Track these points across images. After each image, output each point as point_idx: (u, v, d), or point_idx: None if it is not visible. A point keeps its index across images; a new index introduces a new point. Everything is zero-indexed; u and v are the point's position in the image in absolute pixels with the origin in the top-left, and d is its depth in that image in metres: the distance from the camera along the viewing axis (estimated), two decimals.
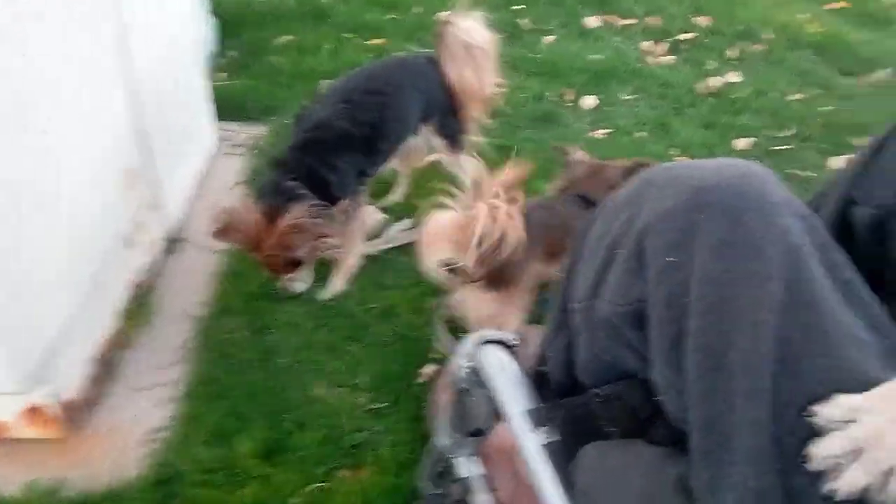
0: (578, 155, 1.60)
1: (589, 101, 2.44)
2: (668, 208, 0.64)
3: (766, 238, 0.59)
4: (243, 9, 2.85)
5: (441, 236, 1.26)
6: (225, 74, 2.46)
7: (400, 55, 2.13)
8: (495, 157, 2.11)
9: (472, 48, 1.75)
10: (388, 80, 1.69)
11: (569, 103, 2.44)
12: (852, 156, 0.85)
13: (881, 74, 2.58)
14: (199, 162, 2.00)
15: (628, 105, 2.43)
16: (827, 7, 3.08)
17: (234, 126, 2.22)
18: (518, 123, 2.30)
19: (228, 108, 2.24)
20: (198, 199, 1.91)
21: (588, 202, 1.42)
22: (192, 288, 1.66)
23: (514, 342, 0.82)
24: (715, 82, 2.50)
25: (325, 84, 1.96)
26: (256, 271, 1.61)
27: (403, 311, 1.61)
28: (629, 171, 1.43)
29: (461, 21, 1.74)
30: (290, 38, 2.68)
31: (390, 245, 1.78)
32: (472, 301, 1.36)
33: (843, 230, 0.75)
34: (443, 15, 1.84)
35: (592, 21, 2.92)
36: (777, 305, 0.57)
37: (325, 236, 1.51)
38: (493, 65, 1.81)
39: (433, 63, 1.75)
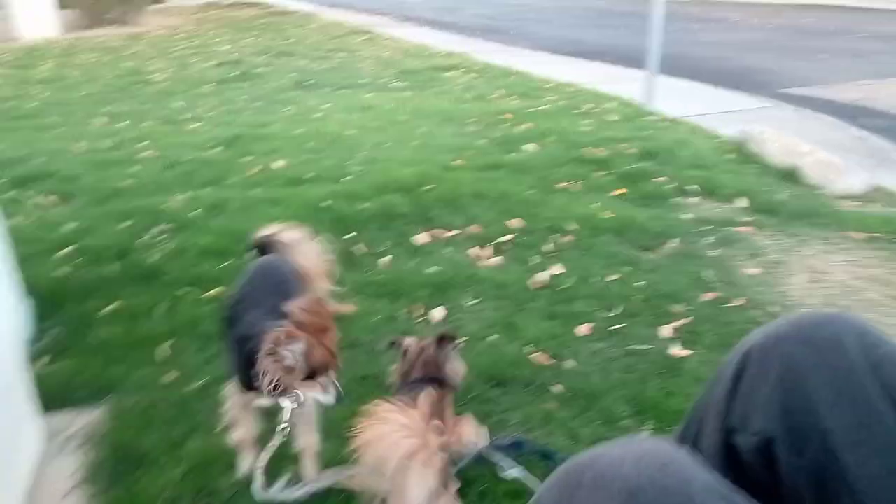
0: (407, 342, 1.80)
1: (438, 314, 2.53)
2: None
3: None
4: (62, 282, 2.69)
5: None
6: (47, 358, 2.24)
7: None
8: (361, 389, 2.09)
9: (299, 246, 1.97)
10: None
11: (420, 319, 2.52)
12: (711, 380, 0.93)
13: (673, 244, 3.00)
14: (23, 471, 1.72)
15: (474, 311, 2.56)
16: (611, 195, 3.60)
17: (63, 416, 1.98)
18: (379, 347, 2.31)
19: (55, 396, 2.01)
20: None
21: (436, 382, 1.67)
22: None
23: None
24: (543, 276, 2.74)
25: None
26: None
27: None
28: (439, 342, 1.75)
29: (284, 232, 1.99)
30: (118, 305, 2.54)
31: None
32: None
33: (731, 459, 0.80)
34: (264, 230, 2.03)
35: (421, 238, 3.13)
36: None
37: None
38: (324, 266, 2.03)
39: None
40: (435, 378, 1.73)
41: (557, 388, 2.08)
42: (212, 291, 2.62)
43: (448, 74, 7.50)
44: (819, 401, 0.74)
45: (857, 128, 5.05)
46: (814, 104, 5.83)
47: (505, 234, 3.14)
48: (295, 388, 1.54)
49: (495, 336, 2.38)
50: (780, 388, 0.78)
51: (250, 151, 4.56)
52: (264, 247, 2.00)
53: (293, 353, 1.48)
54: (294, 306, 1.53)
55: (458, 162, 4.17)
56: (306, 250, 2.05)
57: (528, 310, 2.53)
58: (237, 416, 1.73)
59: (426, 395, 1.55)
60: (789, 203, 3.44)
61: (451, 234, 3.19)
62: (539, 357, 2.23)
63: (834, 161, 3.83)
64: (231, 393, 1.71)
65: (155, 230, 3.25)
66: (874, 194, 3.64)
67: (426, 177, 3.85)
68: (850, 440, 0.71)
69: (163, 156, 4.53)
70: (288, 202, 3.55)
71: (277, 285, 1.76)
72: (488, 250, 3.02)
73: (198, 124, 5.52)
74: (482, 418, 1.96)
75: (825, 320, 0.82)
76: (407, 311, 2.56)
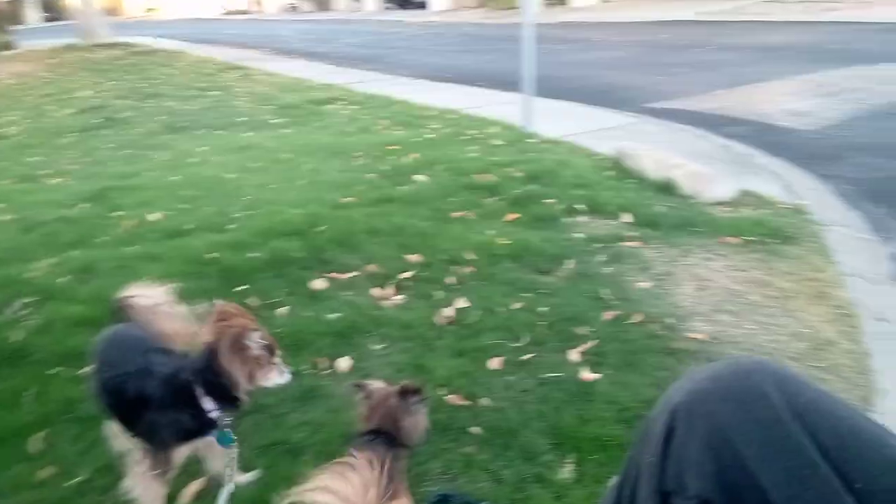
0: (371, 387, 1.65)
1: (345, 363, 2.42)
2: None
3: None
4: None
5: None
6: None
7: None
8: (266, 458, 1.96)
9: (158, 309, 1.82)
10: None
11: (326, 371, 2.40)
12: (639, 437, 0.91)
13: (569, 265, 3.05)
14: None
15: (381, 356, 2.47)
16: (504, 220, 3.64)
17: None
18: (283, 410, 2.17)
19: None
20: None
21: (390, 438, 1.53)
22: None
23: None
24: (448, 312, 2.69)
25: None
26: None
27: None
28: (401, 393, 1.58)
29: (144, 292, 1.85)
30: None
31: None
32: None
33: None
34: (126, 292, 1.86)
35: (318, 283, 3.01)
36: None
37: None
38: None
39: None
40: (390, 433, 1.57)
41: (475, 430, 2.03)
42: (87, 368, 2.37)
43: (328, 108, 7.40)
44: (750, 457, 0.73)
45: (720, 136, 5.44)
46: (677, 116, 6.24)
47: (405, 271, 3.08)
48: (264, 375, 1.64)
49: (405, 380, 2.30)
50: (709, 448, 0.77)
51: (120, 205, 4.24)
52: (119, 313, 1.82)
53: (255, 342, 1.58)
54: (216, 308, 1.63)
55: (349, 199, 4.08)
56: (167, 314, 1.84)
57: (436, 349, 2.47)
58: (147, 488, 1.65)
59: (374, 458, 1.43)
60: (669, 215, 3.62)
61: (349, 275, 3.09)
62: (453, 398, 2.18)
63: (703, 171, 4.09)
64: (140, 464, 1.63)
65: (17, 304, 2.92)
66: (743, 199, 3.91)
67: (317, 217, 3.73)
68: (786, 495, 0.70)
69: (21, 217, 4.12)
70: (168, 258, 3.31)
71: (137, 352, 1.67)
72: (390, 289, 2.94)
73: (59, 179, 5.09)
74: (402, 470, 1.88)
75: (744, 372, 0.82)
76: (311, 364, 2.43)
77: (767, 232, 3.35)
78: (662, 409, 0.87)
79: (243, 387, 1.61)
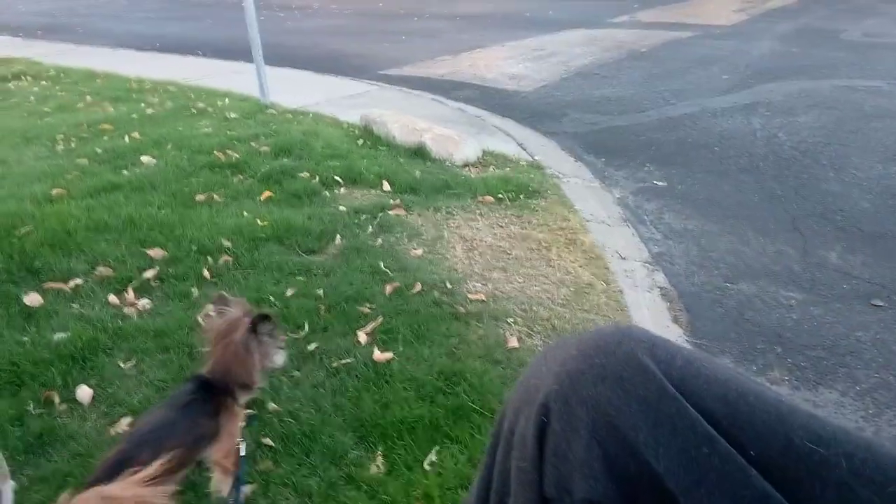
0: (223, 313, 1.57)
1: (85, 394, 1.97)
2: None
3: None
4: None
5: None
6: None
7: None
8: None
9: None
10: None
11: (61, 406, 1.92)
12: (497, 439, 0.78)
13: (338, 241, 2.88)
14: None
15: (132, 375, 2.06)
16: (258, 200, 3.31)
17: None
18: (10, 466, 1.67)
19: None
20: None
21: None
22: None
23: None
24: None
25: None
26: None
27: None
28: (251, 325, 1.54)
29: None
30: None
31: None
32: None
33: None
34: None
35: (32, 298, 2.42)
36: None
37: None
38: None
39: None
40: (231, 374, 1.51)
41: (267, 441, 1.78)
42: None
43: (12, 85, 6.11)
44: (640, 443, 0.64)
45: (453, 101, 5.65)
46: (411, 83, 6.34)
47: (146, 269, 2.62)
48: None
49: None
50: (594, 441, 0.67)
51: None
52: None
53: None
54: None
55: (58, 191, 3.37)
56: None
57: (202, 357, 2.13)
58: None
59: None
60: (426, 179, 3.62)
61: (72, 284, 2.53)
62: None
63: (450, 134, 4.18)
64: None
65: None
66: (486, 159, 4.08)
67: (17, 217, 3.01)
68: (686, 482, 0.63)
69: None
70: None
71: None
72: (130, 294, 2.48)
73: None
74: None
75: (613, 343, 0.72)
76: (39, 401, 1.93)
77: (515, 188, 3.53)
78: (524, 401, 0.74)
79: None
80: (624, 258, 2.88)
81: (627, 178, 3.94)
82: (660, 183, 3.85)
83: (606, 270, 2.73)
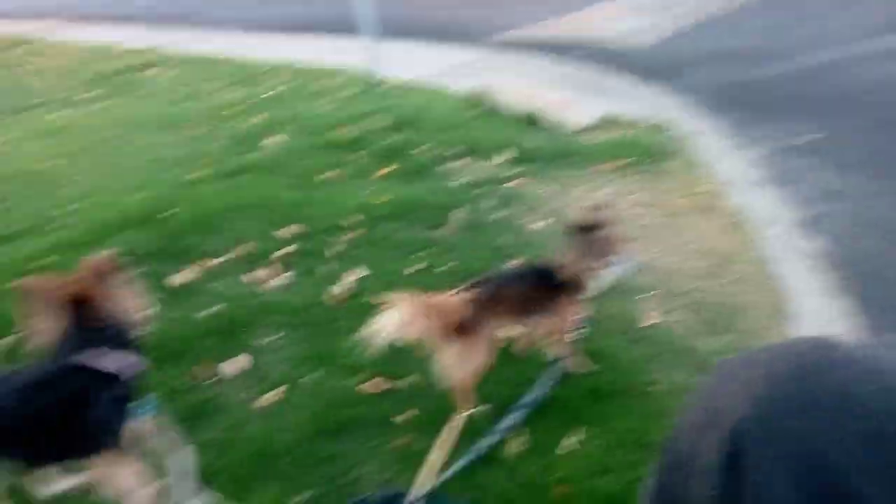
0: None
1: (234, 366, 2.08)
2: None
3: None
4: None
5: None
6: None
7: None
8: None
9: None
10: None
11: (213, 378, 2.04)
12: (669, 462, 0.71)
13: (460, 215, 2.85)
14: None
15: (276, 349, 2.15)
16: (377, 176, 3.35)
17: None
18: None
19: None
20: None
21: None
22: None
23: None
24: (343, 284, 2.41)
25: None
26: None
27: None
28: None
29: None
30: None
31: None
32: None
33: None
34: None
35: (181, 276, 2.58)
36: None
37: None
38: None
39: None
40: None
41: (405, 417, 1.80)
42: None
43: (146, 74, 6.54)
44: (858, 485, 0.55)
45: (567, 62, 5.44)
46: (522, 47, 6.17)
47: (283, 247, 2.72)
48: None
49: (313, 374, 2.01)
50: (801, 477, 0.58)
51: None
52: None
53: None
54: None
55: (196, 174, 3.57)
56: None
57: (339, 329, 2.19)
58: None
59: None
60: (543, 148, 3.52)
61: (217, 261, 2.68)
62: (371, 386, 1.93)
63: (565, 99, 4.03)
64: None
65: None
66: (606, 122, 3.90)
67: (162, 200, 3.22)
68: None
69: None
70: None
71: None
72: (270, 270, 2.59)
73: None
74: (328, 482, 1.62)
75: (815, 363, 0.63)
76: (190, 374, 2.06)
77: (640, 152, 3.36)
78: (707, 424, 0.66)
79: None
80: (769, 224, 2.65)
81: (767, 136, 3.62)
82: (806, 139, 3.51)
83: (750, 237, 2.53)
